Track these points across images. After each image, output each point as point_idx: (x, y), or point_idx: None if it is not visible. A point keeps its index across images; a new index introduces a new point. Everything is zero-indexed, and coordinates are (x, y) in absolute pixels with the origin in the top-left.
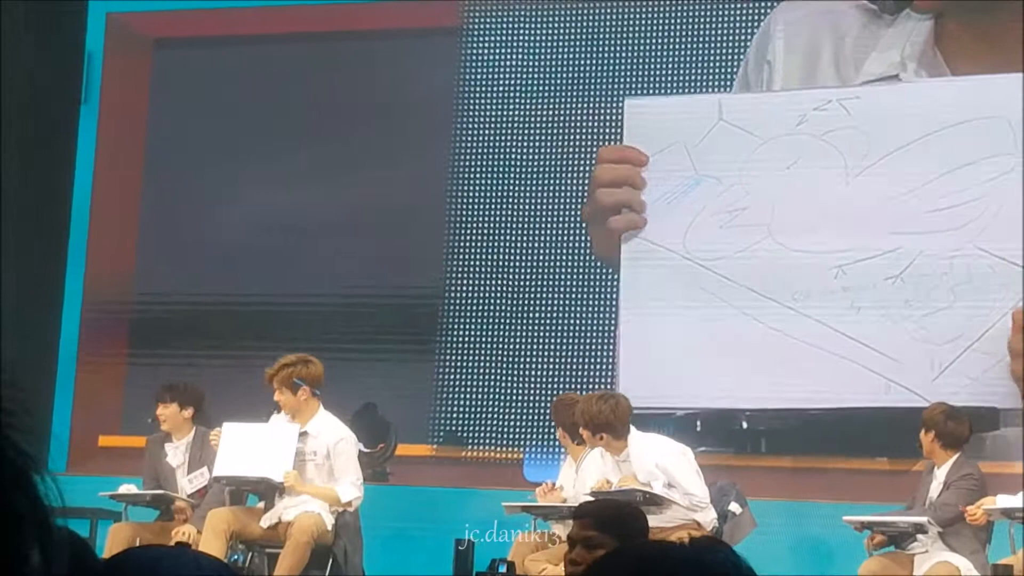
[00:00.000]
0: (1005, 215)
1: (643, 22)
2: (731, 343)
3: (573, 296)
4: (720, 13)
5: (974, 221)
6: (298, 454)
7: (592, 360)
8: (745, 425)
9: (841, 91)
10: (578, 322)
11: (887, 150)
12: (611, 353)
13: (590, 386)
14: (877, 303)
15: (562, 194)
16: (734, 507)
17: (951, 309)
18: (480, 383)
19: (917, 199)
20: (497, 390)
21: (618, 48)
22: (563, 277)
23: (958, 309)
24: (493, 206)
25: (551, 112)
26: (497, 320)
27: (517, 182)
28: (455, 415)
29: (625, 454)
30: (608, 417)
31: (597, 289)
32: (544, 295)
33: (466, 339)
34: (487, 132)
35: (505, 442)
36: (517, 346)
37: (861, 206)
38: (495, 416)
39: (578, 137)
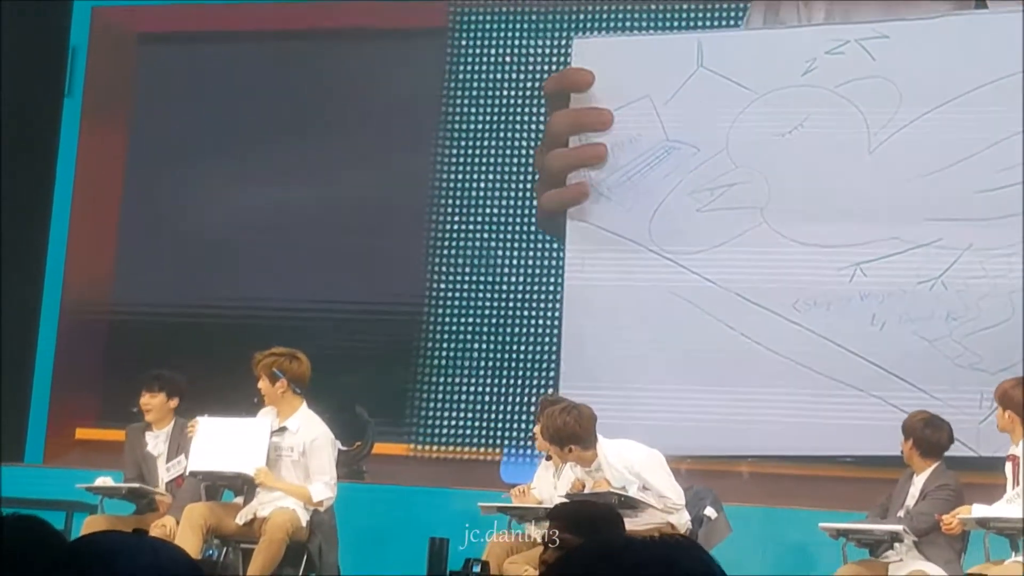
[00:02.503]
0: None
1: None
2: (712, 368)
3: (556, 298)
4: None
5: None
6: (275, 449)
7: None
8: (747, 476)
9: (862, 27)
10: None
11: (924, 107)
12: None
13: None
14: (908, 316)
15: None
16: (709, 512)
17: (1009, 325)
18: (460, 383)
19: (964, 174)
20: (477, 390)
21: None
22: (547, 278)
23: (1018, 324)
24: (478, 207)
25: (538, 113)
26: (479, 320)
27: (502, 183)
28: (433, 414)
29: (596, 464)
30: (573, 428)
31: None
32: (527, 296)
33: (447, 338)
34: (473, 133)
35: (482, 442)
36: (498, 346)
37: (888, 183)
38: (473, 416)
39: None
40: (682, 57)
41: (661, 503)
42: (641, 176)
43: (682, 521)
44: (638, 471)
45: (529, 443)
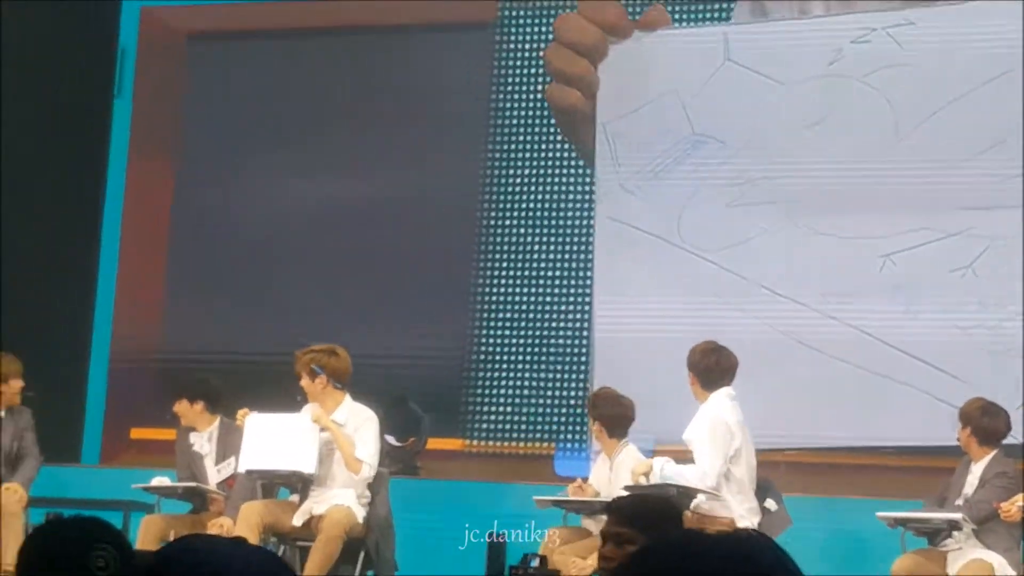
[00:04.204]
0: None
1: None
2: (743, 362)
3: None
4: None
5: None
6: (326, 444)
7: None
8: (783, 467)
9: (888, 15)
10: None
11: (952, 95)
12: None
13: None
14: (940, 305)
15: (587, 191)
16: (769, 504)
17: None
18: (512, 377)
19: (994, 162)
20: (529, 384)
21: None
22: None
23: None
24: (527, 199)
25: None
26: (530, 313)
27: (551, 175)
28: (487, 409)
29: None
30: (698, 359)
31: None
32: (579, 288)
33: (499, 332)
34: (520, 128)
35: (536, 436)
36: (550, 339)
37: (916, 173)
38: (527, 410)
39: None
40: (709, 51)
41: (698, 474)
42: (668, 172)
43: (738, 513)
44: (695, 429)
45: (582, 437)
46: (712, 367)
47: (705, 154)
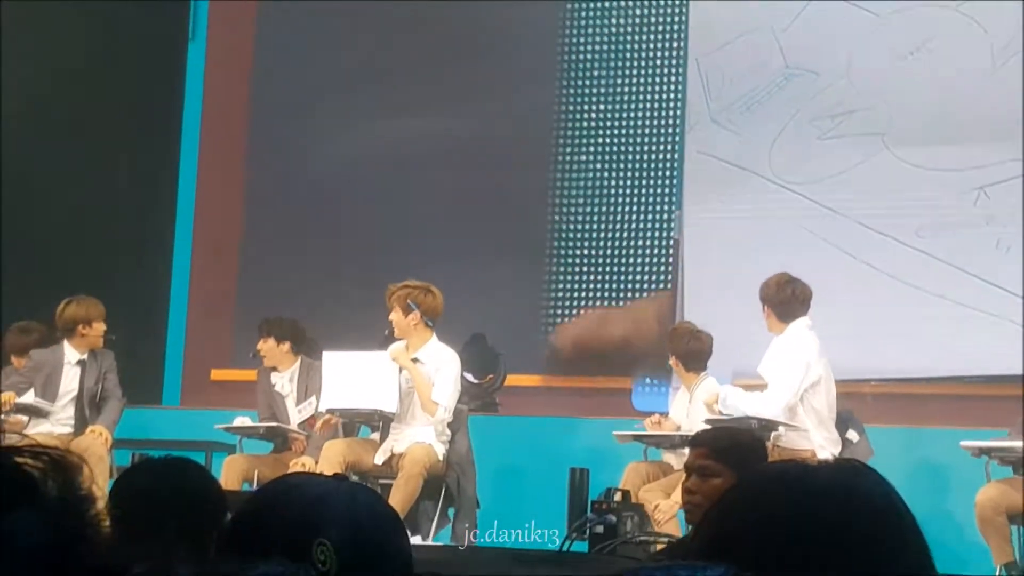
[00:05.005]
0: None
1: None
2: (835, 296)
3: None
4: None
5: None
6: (407, 381)
7: None
8: (871, 398)
9: None
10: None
11: None
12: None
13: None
14: None
15: (670, 124)
16: (851, 435)
17: None
18: (587, 313)
19: None
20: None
21: None
22: (669, 207)
23: None
24: (602, 136)
25: (654, 41)
26: (608, 248)
27: (626, 111)
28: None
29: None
30: (771, 292)
31: None
32: (656, 224)
33: (576, 268)
34: (593, 64)
35: (614, 371)
36: (628, 275)
37: (1012, 102)
38: None
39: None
40: None
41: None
42: (760, 105)
43: (817, 442)
44: (770, 360)
45: (659, 371)
46: (787, 299)
47: (798, 86)
